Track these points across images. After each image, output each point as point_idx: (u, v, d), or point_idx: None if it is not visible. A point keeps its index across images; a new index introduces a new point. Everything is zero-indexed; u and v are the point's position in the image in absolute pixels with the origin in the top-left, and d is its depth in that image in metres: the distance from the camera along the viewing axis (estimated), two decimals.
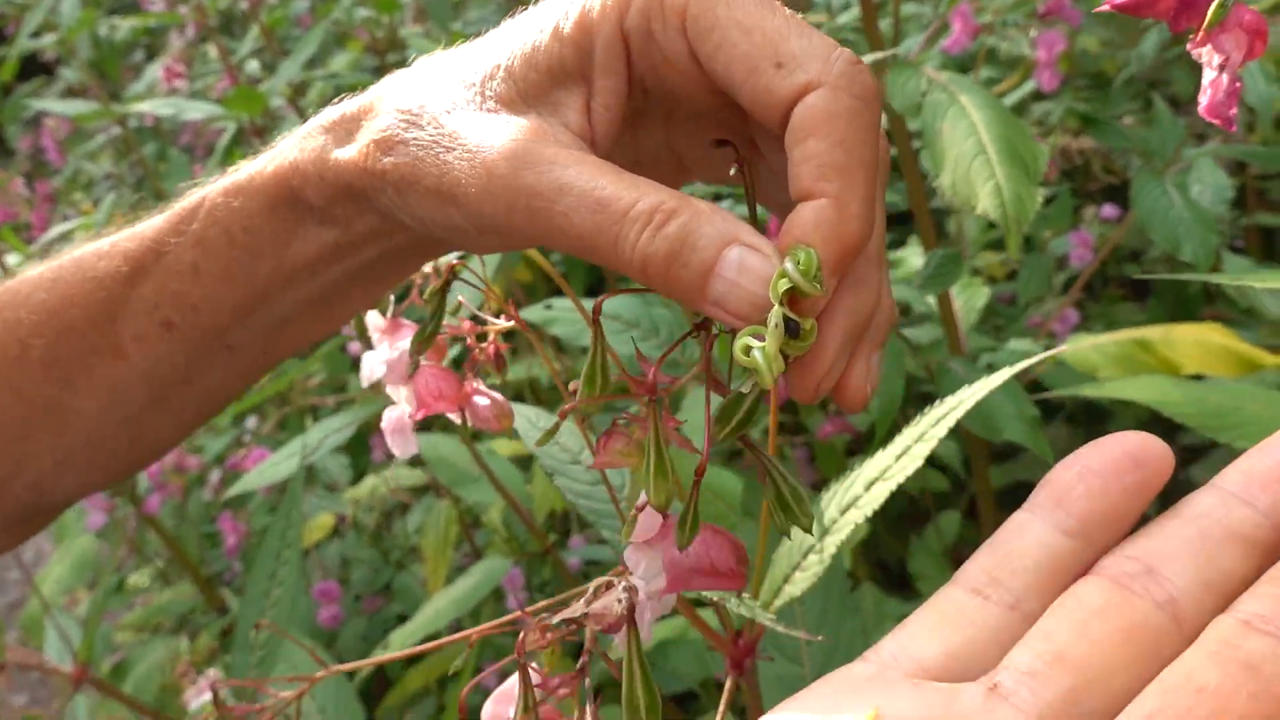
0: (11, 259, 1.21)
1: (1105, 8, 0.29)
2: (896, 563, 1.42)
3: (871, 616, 1.13)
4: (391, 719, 1.17)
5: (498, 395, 0.40)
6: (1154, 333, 0.79)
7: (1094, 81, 1.23)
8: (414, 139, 0.29)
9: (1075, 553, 0.22)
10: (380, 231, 0.33)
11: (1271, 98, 0.80)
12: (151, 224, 0.36)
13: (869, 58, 0.56)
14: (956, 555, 1.23)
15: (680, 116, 0.32)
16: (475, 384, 0.39)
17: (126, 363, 0.36)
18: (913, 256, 1.05)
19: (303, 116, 1.75)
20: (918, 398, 1.20)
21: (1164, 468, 0.23)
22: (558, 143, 0.27)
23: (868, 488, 0.40)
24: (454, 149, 0.28)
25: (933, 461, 1.29)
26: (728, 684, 0.42)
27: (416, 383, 0.39)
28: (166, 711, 0.85)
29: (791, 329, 0.24)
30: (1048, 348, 0.90)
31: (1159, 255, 1.18)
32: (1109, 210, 1.19)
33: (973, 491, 1.41)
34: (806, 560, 0.41)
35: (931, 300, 0.97)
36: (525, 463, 1.02)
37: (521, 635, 0.30)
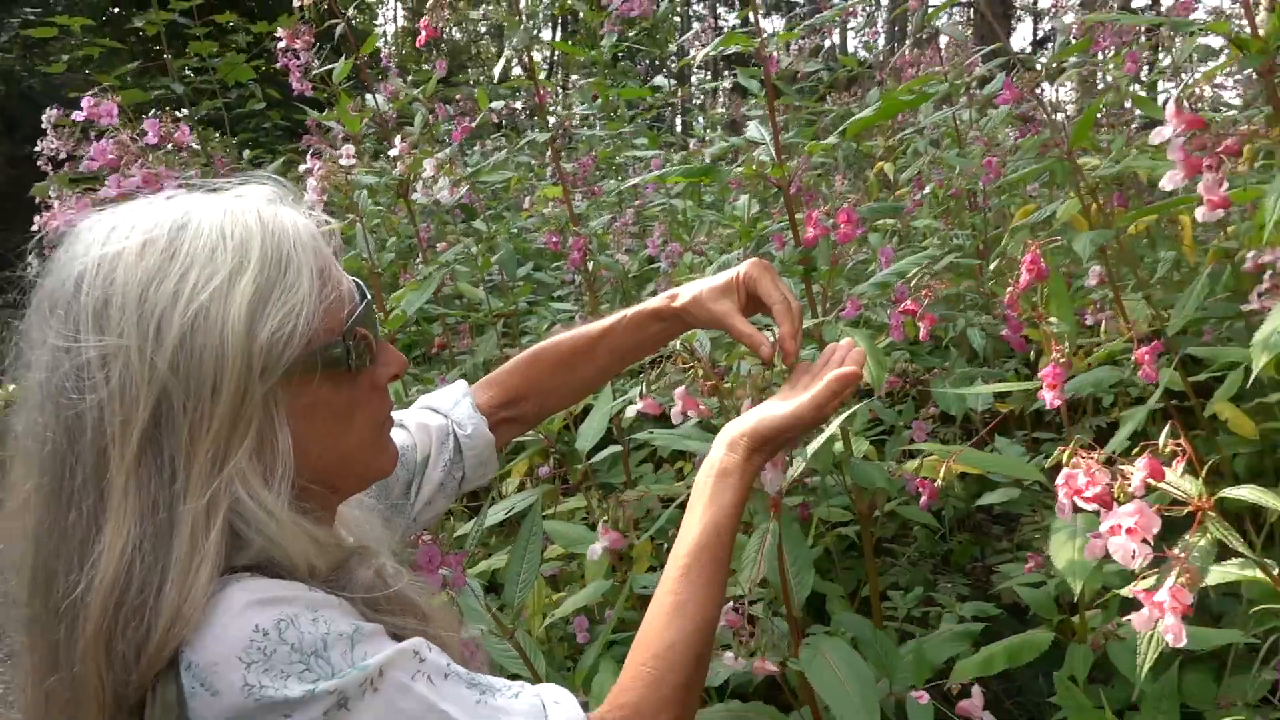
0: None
1: None
2: None
3: None
4: None
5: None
6: None
7: None
8: (694, 308, 1.15)
9: None
10: (678, 321, 1.18)
11: None
12: (609, 319, 1.20)
13: None
14: None
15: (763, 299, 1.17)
16: None
17: (594, 365, 1.20)
18: None
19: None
20: None
21: None
22: (736, 311, 1.13)
23: None
24: (705, 312, 1.14)
25: None
26: None
27: None
28: None
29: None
30: None
31: None
32: None
33: None
34: None
35: None
36: None
37: None
